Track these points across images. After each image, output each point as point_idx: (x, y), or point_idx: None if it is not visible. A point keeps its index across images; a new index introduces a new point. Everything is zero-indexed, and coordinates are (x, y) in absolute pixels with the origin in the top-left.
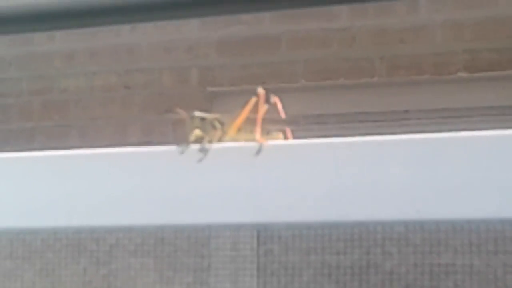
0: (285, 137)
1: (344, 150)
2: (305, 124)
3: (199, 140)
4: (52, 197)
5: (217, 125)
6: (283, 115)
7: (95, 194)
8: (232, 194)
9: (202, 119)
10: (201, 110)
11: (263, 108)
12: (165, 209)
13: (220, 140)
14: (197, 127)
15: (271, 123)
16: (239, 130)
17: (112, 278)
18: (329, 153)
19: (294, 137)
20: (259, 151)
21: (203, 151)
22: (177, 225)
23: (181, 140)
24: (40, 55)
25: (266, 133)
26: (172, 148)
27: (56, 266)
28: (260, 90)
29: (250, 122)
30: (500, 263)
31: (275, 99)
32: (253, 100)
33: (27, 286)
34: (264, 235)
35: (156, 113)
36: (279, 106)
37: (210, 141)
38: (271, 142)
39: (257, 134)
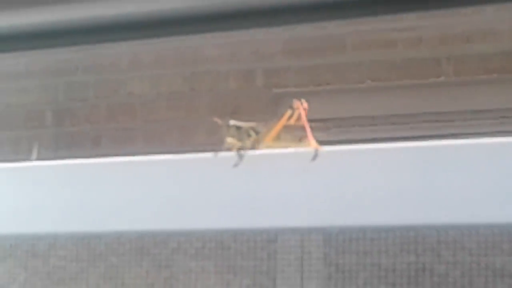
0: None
1: (400, 155)
2: (351, 126)
3: (233, 148)
4: (116, 203)
5: (252, 134)
6: (305, 122)
7: (156, 199)
8: (291, 199)
9: (238, 127)
10: (266, 112)
11: (304, 116)
12: (224, 214)
13: (254, 148)
14: (233, 136)
15: (303, 131)
16: (275, 139)
17: (174, 281)
18: (383, 158)
19: (353, 140)
20: (315, 156)
21: (258, 157)
22: (237, 229)
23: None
24: (107, 58)
25: (298, 140)
26: (230, 154)
27: (119, 269)
28: (297, 103)
29: (284, 131)
30: None
31: (305, 106)
32: (289, 112)
33: None
34: (323, 239)
35: (221, 116)
36: (305, 113)
37: (243, 150)
38: (325, 148)
39: (312, 141)
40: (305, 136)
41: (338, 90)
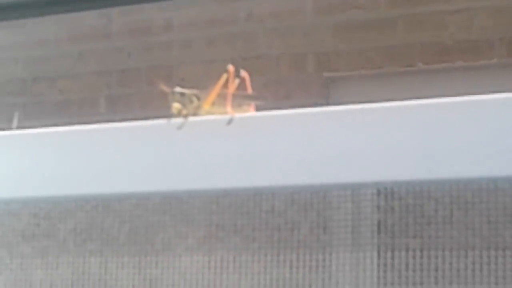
0: (253, 110)
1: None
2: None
3: (179, 113)
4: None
5: (195, 100)
6: (250, 90)
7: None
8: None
9: (182, 94)
10: (318, 96)
11: (233, 84)
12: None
13: (196, 113)
14: (177, 102)
15: (242, 98)
16: (213, 104)
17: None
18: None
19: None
20: (230, 122)
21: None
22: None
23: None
24: (158, 45)
25: (237, 106)
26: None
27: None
28: (231, 67)
29: (225, 97)
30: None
31: (244, 74)
32: (225, 76)
33: None
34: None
35: (273, 101)
36: (248, 81)
37: (187, 115)
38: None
39: (228, 108)
40: (247, 103)
41: (390, 73)
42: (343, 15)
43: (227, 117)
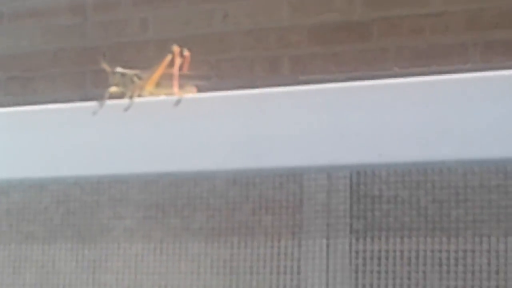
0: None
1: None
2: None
3: (115, 95)
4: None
5: (136, 80)
6: (186, 70)
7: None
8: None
9: (123, 74)
10: None
11: (177, 64)
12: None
13: (139, 94)
14: (118, 83)
15: (186, 78)
16: (157, 85)
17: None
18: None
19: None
20: (177, 103)
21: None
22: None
23: None
24: (133, 45)
25: (180, 87)
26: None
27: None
28: (175, 48)
29: (167, 77)
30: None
31: (187, 54)
32: (169, 57)
33: None
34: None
35: None
36: (187, 62)
37: (130, 96)
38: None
39: (175, 89)
40: (188, 83)
41: (364, 76)
42: (318, 18)
43: (174, 98)
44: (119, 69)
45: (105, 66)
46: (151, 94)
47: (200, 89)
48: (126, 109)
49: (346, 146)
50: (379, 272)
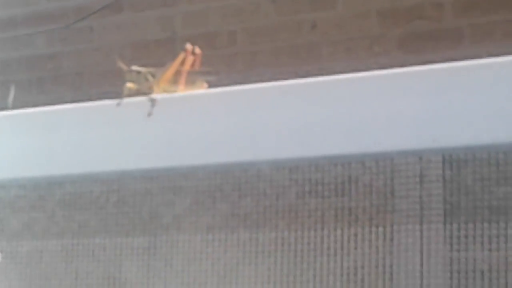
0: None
1: None
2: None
3: (132, 92)
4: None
5: (150, 78)
6: (199, 67)
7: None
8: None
9: (138, 72)
10: None
11: (188, 62)
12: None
13: (151, 92)
14: (133, 80)
15: (196, 75)
16: (170, 82)
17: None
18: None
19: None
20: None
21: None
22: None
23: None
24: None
25: (191, 83)
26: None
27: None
28: (188, 46)
29: (181, 74)
30: None
31: (198, 52)
32: (182, 55)
33: None
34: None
35: None
36: (199, 59)
37: (143, 93)
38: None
39: (181, 85)
40: (201, 80)
41: None
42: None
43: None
44: (134, 67)
45: (121, 64)
46: (164, 91)
47: (210, 85)
48: (150, 114)
49: (438, 129)
50: (474, 258)
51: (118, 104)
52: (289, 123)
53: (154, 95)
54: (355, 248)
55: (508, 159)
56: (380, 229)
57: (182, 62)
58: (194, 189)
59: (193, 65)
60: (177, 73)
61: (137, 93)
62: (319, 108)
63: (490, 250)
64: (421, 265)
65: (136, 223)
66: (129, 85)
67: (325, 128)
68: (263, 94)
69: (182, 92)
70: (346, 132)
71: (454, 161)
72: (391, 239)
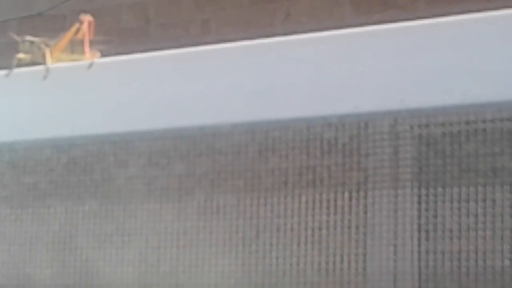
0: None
1: None
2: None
3: (23, 62)
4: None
5: (43, 47)
6: (91, 36)
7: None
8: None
9: (32, 42)
10: None
11: (82, 31)
12: None
13: (44, 61)
14: (27, 50)
15: (90, 44)
16: (63, 51)
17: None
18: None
19: None
20: (90, 66)
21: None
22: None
23: None
24: None
25: (82, 52)
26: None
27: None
28: (83, 16)
29: (72, 44)
30: None
31: (91, 21)
32: (76, 25)
33: None
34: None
35: None
36: (92, 28)
37: (35, 63)
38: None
39: (88, 53)
40: (95, 48)
41: None
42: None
43: (86, 62)
44: (28, 37)
45: (14, 36)
46: (59, 60)
47: (103, 54)
48: (45, 77)
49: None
50: (443, 218)
51: (7, 75)
52: (253, 84)
53: (48, 64)
54: (320, 210)
55: (478, 119)
56: (347, 191)
57: (76, 32)
58: (148, 149)
59: (87, 34)
60: (71, 43)
61: (22, 63)
62: (283, 68)
63: (459, 209)
64: (395, 224)
65: (87, 186)
66: (20, 55)
67: (290, 89)
68: (224, 55)
69: (75, 61)
70: (314, 93)
71: (423, 124)
72: (363, 201)
